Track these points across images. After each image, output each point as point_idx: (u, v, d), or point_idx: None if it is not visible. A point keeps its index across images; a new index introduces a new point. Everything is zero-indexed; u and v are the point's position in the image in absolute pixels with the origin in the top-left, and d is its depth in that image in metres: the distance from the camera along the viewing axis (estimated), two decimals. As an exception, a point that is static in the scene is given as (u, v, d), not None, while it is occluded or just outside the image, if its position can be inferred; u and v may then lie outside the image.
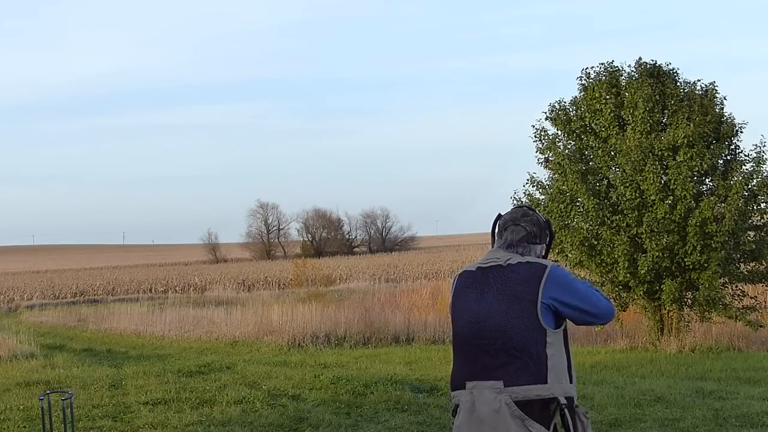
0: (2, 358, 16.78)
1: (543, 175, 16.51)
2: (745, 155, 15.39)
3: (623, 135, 15.47)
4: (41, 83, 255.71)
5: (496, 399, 3.40)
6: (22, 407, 9.52)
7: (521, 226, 3.68)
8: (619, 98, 15.74)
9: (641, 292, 15.38)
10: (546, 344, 3.43)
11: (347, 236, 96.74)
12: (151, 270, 72.48)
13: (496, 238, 3.76)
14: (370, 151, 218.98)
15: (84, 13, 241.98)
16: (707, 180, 15.58)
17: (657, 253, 14.78)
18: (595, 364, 13.54)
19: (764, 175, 15.18)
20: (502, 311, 3.47)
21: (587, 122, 16.03)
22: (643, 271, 14.88)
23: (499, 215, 3.80)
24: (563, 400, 3.42)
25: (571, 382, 3.50)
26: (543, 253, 3.73)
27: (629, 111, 15.44)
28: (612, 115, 15.62)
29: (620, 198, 15.16)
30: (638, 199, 15.06)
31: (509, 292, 3.48)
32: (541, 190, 16.33)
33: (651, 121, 15.24)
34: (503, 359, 3.43)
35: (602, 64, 16.11)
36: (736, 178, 14.98)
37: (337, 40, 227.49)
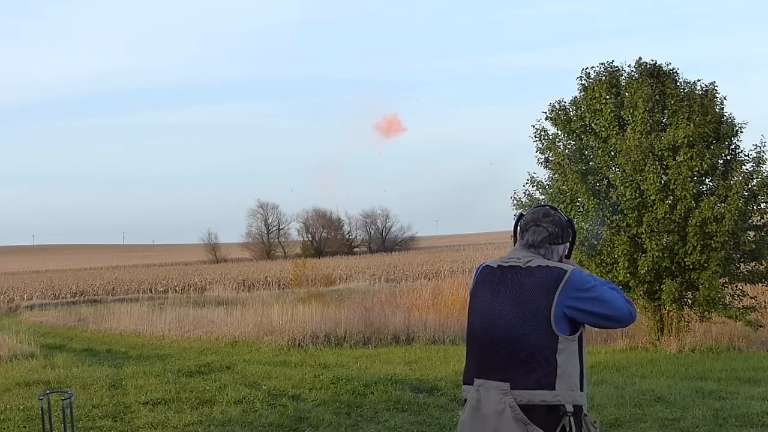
0: (2, 358, 16.73)
1: (543, 175, 16.52)
2: (745, 155, 15.36)
3: (623, 135, 15.46)
4: (42, 83, 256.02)
5: (501, 400, 3.37)
6: (22, 407, 9.51)
7: (543, 226, 3.62)
8: (619, 98, 15.74)
9: (641, 292, 15.38)
10: (557, 351, 3.36)
11: (347, 236, 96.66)
12: (151, 270, 72.39)
13: (518, 238, 3.70)
14: (370, 151, 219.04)
15: (85, 13, 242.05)
16: (707, 180, 15.55)
17: (657, 253, 14.78)
18: (595, 364, 13.52)
19: (764, 175, 15.15)
20: (514, 315, 3.42)
21: (587, 122, 16.03)
22: (643, 271, 14.88)
23: (521, 215, 3.74)
24: (570, 408, 3.35)
25: (582, 391, 3.43)
26: (566, 253, 3.66)
27: (629, 111, 15.44)
28: (612, 115, 15.62)
29: (620, 198, 15.16)
30: (638, 199, 15.06)
31: (523, 296, 3.42)
32: (541, 190, 16.32)
33: (651, 121, 15.23)
34: (512, 361, 3.39)
35: (602, 64, 16.13)
36: (736, 178, 14.97)
37: (337, 40, 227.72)
